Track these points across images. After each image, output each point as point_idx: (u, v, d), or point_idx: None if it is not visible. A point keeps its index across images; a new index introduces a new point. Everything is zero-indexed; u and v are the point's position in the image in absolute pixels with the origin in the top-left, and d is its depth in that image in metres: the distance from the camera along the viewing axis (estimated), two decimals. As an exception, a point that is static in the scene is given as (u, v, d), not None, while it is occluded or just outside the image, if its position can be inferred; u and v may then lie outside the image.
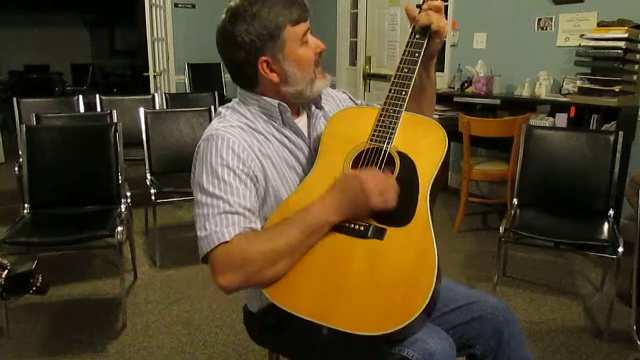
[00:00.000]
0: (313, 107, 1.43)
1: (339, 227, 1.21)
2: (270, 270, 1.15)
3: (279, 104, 1.31)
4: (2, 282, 1.03)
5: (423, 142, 1.32)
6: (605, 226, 2.61)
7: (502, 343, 1.35)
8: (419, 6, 1.40)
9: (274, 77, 1.29)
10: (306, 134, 1.39)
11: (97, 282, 3.01)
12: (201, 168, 1.24)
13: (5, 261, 1.04)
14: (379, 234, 1.20)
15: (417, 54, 1.36)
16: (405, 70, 1.35)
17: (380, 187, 1.19)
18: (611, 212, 2.69)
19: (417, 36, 1.37)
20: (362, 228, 1.21)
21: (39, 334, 2.47)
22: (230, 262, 1.15)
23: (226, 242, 1.15)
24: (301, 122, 1.41)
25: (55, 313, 2.66)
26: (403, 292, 1.13)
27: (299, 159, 1.36)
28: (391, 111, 1.32)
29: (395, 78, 1.36)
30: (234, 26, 1.24)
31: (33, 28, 11.23)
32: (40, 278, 1.07)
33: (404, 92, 1.33)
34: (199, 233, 1.20)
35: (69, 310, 2.70)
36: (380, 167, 1.28)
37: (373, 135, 1.31)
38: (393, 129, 1.31)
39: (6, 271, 1.03)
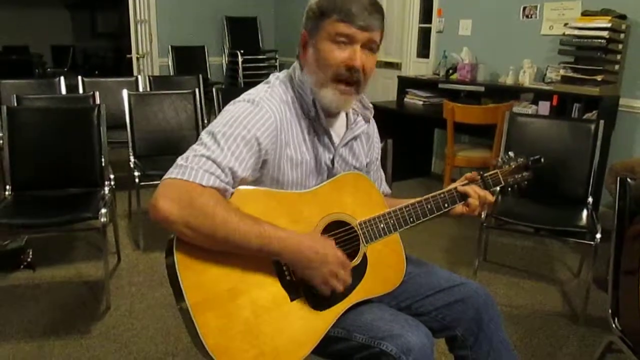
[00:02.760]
0: (359, 117, 1.43)
1: (275, 260, 1.21)
2: (201, 236, 1.10)
3: (313, 101, 1.30)
4: None
5: (385, 269, 1.36)
6: (584, 213, 2.67)
7: (483, 325, 1.39)
8: (480, 174, 1.46)
9: (302, 55, 1.30)
10: (338, 137, 1.39)
11: (80, 265, 2.99)
12: (225, 117, 1.22)
13: None
14: (293, 295, 1.22)
15: (446, 205, 1.41)
16: (428, 207, 1.39)
17: (340, 273, 1.21)
18: (590, 199, 2.74)
19: (456, 193, 1.42)
20: (288, 278, 1.22)
21: (23, 316, 2.46)
22: (185, 199, 1.09)
23: (200, 184, 1.11)
24: (338, 122, 1.40)
25: (38, 295, 2.65)
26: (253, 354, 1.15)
27: (318, 153, 1.35)
28: (390, 223, 1.34)
29: (417, 203, 1.38)
30: None
31: (12, 8, 10.96)
32: (30, 253, 1.08)
33: (411, 220, 1.37)
34: (178, 159, 1.15)
35: (53, 292, 2.69)
36: (343, 250, 1.28)
37: (364, 223, 1.32)
38: (379, 236, 1.33)
39: (-4, 248, 1.04)
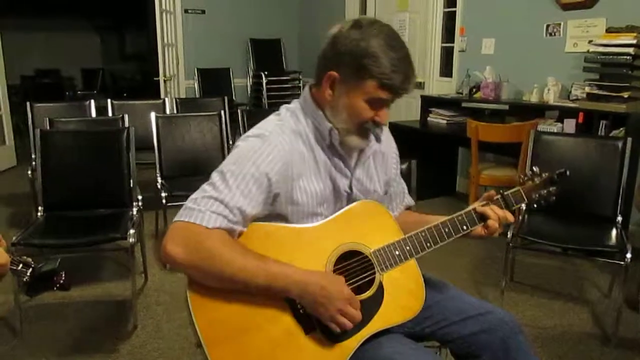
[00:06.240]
0: (371, 137, 1.38)
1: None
2: (209, 277, 1.15)
3: (330, 130, 1.29)
4: (27, 280, 1.07)
5: (403, 297, 1.32)
6: (614, 232, 2.62)
7: (510, 354, 1.36)
8: (500, 194, 1.41)
9: (328, 94, 1.27)
10: (353, 161, 1.38)
11: (108, 284, 3.04)
12: (235, 155, 1.24)
13: (30, 260, 1.08)
14: (308, 327, 1.21)
15: (464, 227, 1.36)
16: (446, 230, 1.35)
17: (348, 310, 1.18)
18: (619, 218, 2.69)
19: (474, 214, 1.37)
20: (301, 311, 1.21)
21: (52, 335, 2.51)
22: (192, 243, 1.14)
23: (206, 227, 1.14)
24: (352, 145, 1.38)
25: (67, 314, 2.70)
26: None
27: (335, 181, 1.34)
28: (406, 249, 1.31)
29: (434, 227, 1.34)
30: (351, 31, 1.23)
31: (44, 33, 11.34)
32: (63, 275, 1.12)
33: (428, 245, 1.33)
34: (187, 201, 1.19)
35: (81, 311, 2.74)
36: (358, 279, 1.28)
37: (378, 251, 1.30)
38: (394, 263, 1.30)
39: (31, 269, 1.07)
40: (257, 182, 1.20)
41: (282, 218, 1.29)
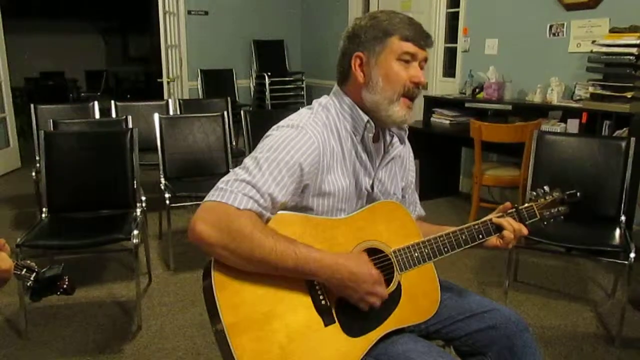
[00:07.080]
0: (395, 139, 1.43)
1: (309, 283, 1.22)
2: (238, 258, 1.13)
3: (367, 121, 1.32)
4: (31, 285, 1.07)
5: (419, 298, 1.34)
6: (617, 232, 2.62)
7: (516, 352, 1.36)
8: (514, 207, 1.45)
9: (360, 76, 1.31)
10: (378, 160, 1.40)
11: (112, 285, 3.05)
12: (269, 142, 1.24)
13: (33, 264, 1.09)
14: (327, 320, 1.21)
15: (480, 236, 1.40)
16: (463, 237, 1.38)
17: (376, 291, 1.21)
18: (623, 218, 2.69)
19: (490, 225, 1.41)
20: (322, 302, 1.22)
21: (56, 336, 2.52)
22: (222, 222, 1.13)
23: (237, 208, 1.14)
24: (378, 147, 1.41)
25: (72, 315, 2.71)
26: None
27: (359, 178, 1.36)
28: (425, 252, 1.33)
29: (452, 234, 1.37)
30: (358, 21, 1.34)
31: (48, 35, 11.40)
32: (67, 280, 1.12)
33: (445, 250, 1.35)
34: (219, 182, 1.19)
35: (86, 312, 2.75)
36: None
37: (398, 251, 1.32)
38: (413, 265, 1.32)
39: (34, 274, 1.08)
40: (290, 170, 1.21)
41: (308, 211, 1.30)
